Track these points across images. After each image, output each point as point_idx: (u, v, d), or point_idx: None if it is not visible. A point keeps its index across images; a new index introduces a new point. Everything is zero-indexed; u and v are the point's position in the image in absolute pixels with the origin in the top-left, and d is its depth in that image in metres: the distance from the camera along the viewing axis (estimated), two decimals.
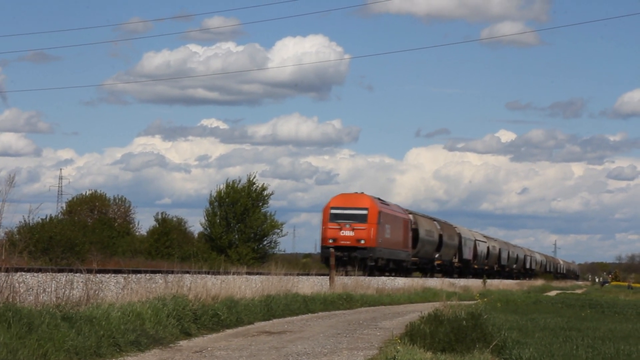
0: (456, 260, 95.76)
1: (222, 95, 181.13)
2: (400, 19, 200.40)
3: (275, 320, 30.50)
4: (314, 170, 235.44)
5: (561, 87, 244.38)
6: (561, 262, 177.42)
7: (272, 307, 32.86)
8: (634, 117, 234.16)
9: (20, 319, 18.58)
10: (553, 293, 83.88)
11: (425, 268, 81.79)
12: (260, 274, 41.82)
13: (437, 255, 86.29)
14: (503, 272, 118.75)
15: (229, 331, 26.24)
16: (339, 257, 54.82)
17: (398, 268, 70.63)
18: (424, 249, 79.65)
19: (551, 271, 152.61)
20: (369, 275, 57.47)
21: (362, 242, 58.96)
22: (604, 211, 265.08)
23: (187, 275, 32.64)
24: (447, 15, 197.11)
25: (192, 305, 26.48)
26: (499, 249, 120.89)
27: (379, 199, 71.29)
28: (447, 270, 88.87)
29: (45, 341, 17.80)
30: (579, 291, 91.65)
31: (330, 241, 58.80)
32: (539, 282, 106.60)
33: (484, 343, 22.92)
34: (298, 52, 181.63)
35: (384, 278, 69.13)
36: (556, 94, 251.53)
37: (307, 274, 52.97)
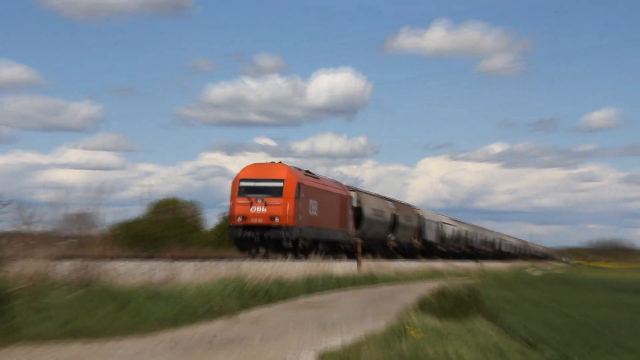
0: (417, 241, 78.88)
1: (270, 119, 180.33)
2: (412, 55, 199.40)
3: (314, 296, 30.72)
4: (344, 177, 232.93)
5: (542, 108, 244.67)
6: (537, 246, 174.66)
7: (311, 285, 33.20)
8: (600, 132, 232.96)
9: (120, 294, 19.36)
10: (538, 273, 78.54)
11: (375, 250, 60.66)
12: (303, 260, 42.07)
13: (390, 236, 68.75)
14: (475, 254, 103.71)
15: (278, 304, 26.54)
16: (249, 238, 43.73)
17: (332, 250, 52.10)
18: (372, 229, 62.16)
19: (527, 254, 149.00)
20: (295, 258, 41.99)
21: (277, 219, 43.97)
22: (575, 207, 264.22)
23: (245, 262, 33.31)
24: (449, 51, 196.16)
25: (249, 285, 27.04)
26: (468, 232, 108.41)
27: (306, 171, 52.65)
28: (406, 252, 71.85)
29: (138, 311, 18.55)
30: (558, 271, 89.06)
31: (240, 219, 44.56)
32: (519, 264, 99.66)
33: (479, 312, 23.09)
34: (330, 82, 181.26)
35: (400, 262, 60.44)
36: (538, 113, 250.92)
37: (339, 260, 47.46)
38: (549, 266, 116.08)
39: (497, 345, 15.82)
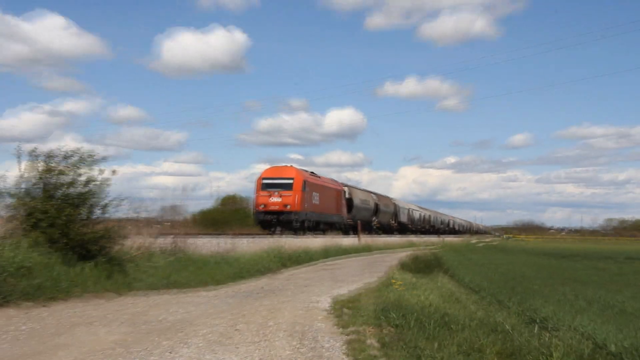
0: (394, 222, 78.01)
1: (298, 141, 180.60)
2: (393, 97, 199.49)
3: (329, 260, 30.84)
4: (348, 180, 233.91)
5: (481, 132, 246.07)
6: (479, 225, 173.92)
7: (328, 253, 33.46)
8: (520, 148, 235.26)
9: (199, 260, 19.74)
10: (480, 244, 77.42)
11: (364, 228, 60.49)
12: (321, 237, 42.42)
13: (374, 219, 68.00)
14: (434, 231, 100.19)
15: (305, 266, 26.67)
16: (268, 220, 44.40)
17: (330, 228, 53.17)
18: (360, 214, 61.63)
19: (472, 231, 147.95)
20: (302, 234, 43.83)
21: (288, 207, 44.58)
22: (504, 198, 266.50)
23: (283, 237, 33.70)
24: (419, 95, 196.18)
25: (285, 253, 27.34)
26: (430, 215, 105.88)
27: (311, 172, 52.99)
28: (385, 230, 70.06)
29: (211, 271, 18.91)
30: (494, 243, 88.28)
31: (262, 207, 45.13)
32: (467, 238, 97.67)
33: (441, 270, 23.49)
34: (339, 116, 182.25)
35: (387, 237, 60.55)
36: (478, 135, 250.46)
37: (347, 236, 49.54)
38: (488, 239, 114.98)
39: (452, 292, 16.12)
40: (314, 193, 48.05)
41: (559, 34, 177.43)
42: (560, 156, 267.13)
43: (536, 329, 9.97)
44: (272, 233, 41.92)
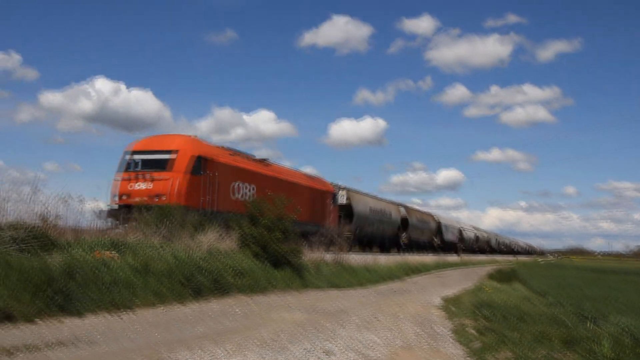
0: (437, 240, 50.31)
1: (419, 190, 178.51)
2: (483, 161, 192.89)
3: (439, 271, 30.22)
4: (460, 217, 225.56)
5: (543, 184, 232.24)
6: (540, 248, 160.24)
7: (438, 265, 32.65)
8: (571, 196, 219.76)
9: (352, 269, 19.28)
10: (542, 262, 67.50)
11: (386, 243, 38.77)
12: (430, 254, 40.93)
13: (403, 235, 41.26)
14: (491, 250, 77.20)
15: (423, 275, 26.20)
16: (128, 220, 14.97)
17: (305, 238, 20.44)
18: (370, 226, 35.15)
19: (532, 252, 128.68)
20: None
21: (163, 197, 16.77)
22: (558, 231, 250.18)
23: (408, 254, 33.04)
24: (499, 160, 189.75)
25: (410, 265, 26.81)
26: (489, 237, 79.85)
27: (231, 148, 21.33)
28: (421, 247, 45.41)
29: (360, 277, 18.56)
30: (552, 261, 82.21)
31: (124, 197, 17.33)
32: (531, 258, 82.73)
33: (517, 279, 22.46)
34: (447, 174, 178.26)
35: (480, 256, 51.06)
36: (541, 186, 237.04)
37: (449, 254, 44.10)
38: (547, 258, 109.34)
39: (526, 295, 15.37)
40: (238, 183, 20.58)
41: (596, 118, 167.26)
42: (601, 201, 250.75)
43: (589, 324, 9.33)
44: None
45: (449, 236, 54.66)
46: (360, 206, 33.27)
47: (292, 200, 16.66)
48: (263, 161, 23.02)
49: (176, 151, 18.12)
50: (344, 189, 32.01)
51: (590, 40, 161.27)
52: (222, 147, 20.64)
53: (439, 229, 51.43)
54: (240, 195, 19.97)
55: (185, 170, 17.70)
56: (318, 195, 27.46)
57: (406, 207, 43.00)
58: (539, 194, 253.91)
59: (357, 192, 34.08)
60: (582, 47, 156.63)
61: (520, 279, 23.10)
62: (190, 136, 19.37)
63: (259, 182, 21.13)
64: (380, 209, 36.74)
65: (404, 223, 41.50)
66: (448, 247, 53.23)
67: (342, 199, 31.34)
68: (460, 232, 58.95)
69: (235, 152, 21.14)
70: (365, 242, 34.92)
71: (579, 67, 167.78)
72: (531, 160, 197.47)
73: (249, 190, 20.61)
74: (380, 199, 38.77)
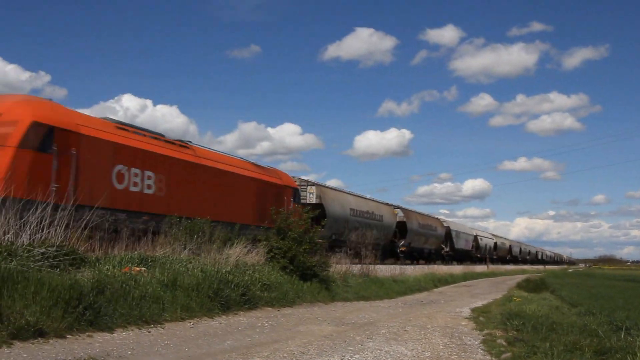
0: (446, 248, 44.09)
1: (445, 201, 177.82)
2: (510, 170, 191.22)
3: (467, 281, 29.93)
4: (476, 224, 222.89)
5: (572, 193, 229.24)
6: (569, 257, 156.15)
7: (466, 276, 32.37)
8: (600, 204, 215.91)
9: (379, 280, 19.40)
10: (571, 270, 66.14)
11: (386, 251, 32.62)
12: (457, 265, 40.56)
13: (400, 242, 34.81)
14: (514, 260, 70.85)
15: (450, 285, 25.98)
16: None
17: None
18: (341, 230, 26.27)
19: (560, 261, 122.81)
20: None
21: None
22: (588, 239, 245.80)
23: (436, 264, 32.72)
24: (526, 169, 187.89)
25: (437, 276, 26.59)
26: (510, 245, 69.50)
27: (115, 120, 14.04)
28: (426, 257, 39.64)
29: (387, 288, 18.58)
30: (581, 270, 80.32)
31: None
32: (560, 267, 79.17)
33: (546, 289, 22.17)
34: (473, 184, 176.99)
35: (507, 265, 50.04)
36: (570, 196, 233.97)
37: (484, 264, 45.83)
38: (576, 268, 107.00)
39: (556, 305, 15.11)
40: (121, 168, 12.97)
41: (625, 125, 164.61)
42: (632, 209, 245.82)
43: (622, 334, 9.06)
44: None
45: (461, 244, 47.28)
46: (336, 206, 26.41)
47: (221, 195, 13.58)
48: (180, 143, 16.04)
49: (7, 116, 11.08)
50: (313, 185, 25.54)
51: (616, 46, 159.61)
52: (104, 119, 14.00)
53: (448, 235, 44.32)
54: (129, 185, 13.40)
55: (19, 144, 10.77)
56: (270, 191, 19.68)
57: (404, 210, 35.93)
58: (567, 203, 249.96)
59: (332, 189, 27.74)
60: (609, 53, 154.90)
61: (550, 288, 22.73)
62: (32, 97, 12.51)
63: (166, 169, 14.61)
64: (366, 211, 29.63)
65: (402, 228, 34.77)
66: (460, 256, 46.80)
67: (310, 197, 25.02)
68: (475, 239, 52.29)
69: (124, 126, 14.18)
70: (348, 251, 23.92)
71: (606, 73, 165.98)
72: (559, 168, 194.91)
73: (148, 179, 13.95)
74: (368, 199, 31.80)
